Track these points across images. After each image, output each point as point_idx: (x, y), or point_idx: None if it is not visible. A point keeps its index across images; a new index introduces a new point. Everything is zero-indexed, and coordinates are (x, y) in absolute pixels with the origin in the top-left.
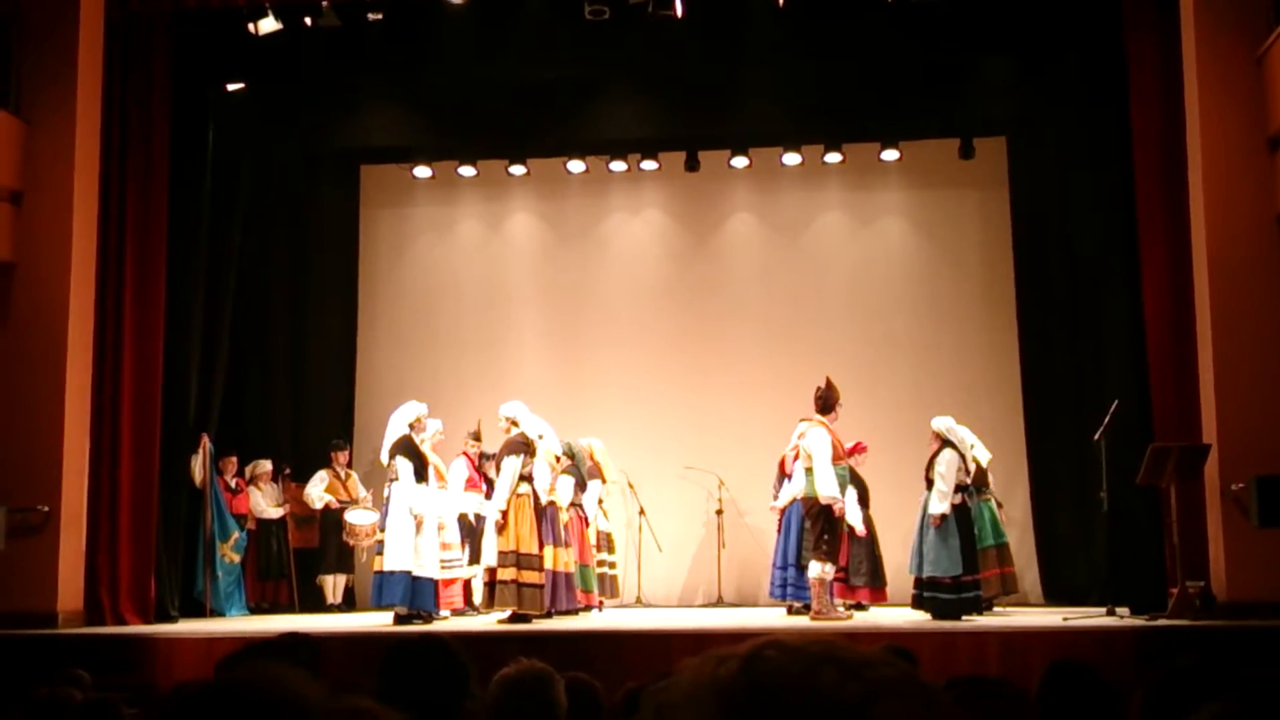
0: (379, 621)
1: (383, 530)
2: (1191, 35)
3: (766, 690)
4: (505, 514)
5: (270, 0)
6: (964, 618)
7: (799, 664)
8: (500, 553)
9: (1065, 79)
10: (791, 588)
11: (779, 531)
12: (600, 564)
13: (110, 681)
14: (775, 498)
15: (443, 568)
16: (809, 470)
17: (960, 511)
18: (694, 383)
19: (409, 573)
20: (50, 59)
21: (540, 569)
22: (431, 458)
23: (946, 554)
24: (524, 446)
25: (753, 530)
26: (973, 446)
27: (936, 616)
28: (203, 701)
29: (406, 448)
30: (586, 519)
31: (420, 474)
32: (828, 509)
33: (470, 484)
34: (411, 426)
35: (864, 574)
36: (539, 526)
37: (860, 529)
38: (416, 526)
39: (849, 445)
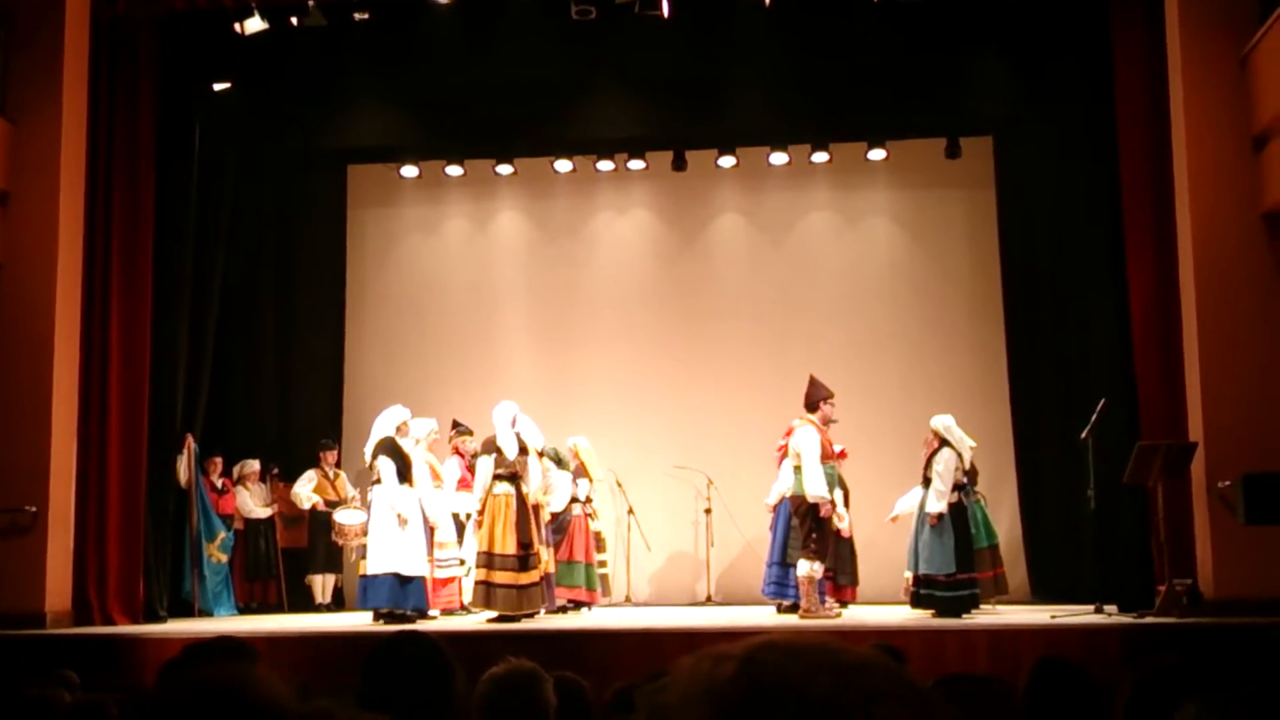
0: (368, 621)
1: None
2: (1177, 35)
3: (763, 695)
4: (482, 514)
5: (256, 0)
6: (963, 615)
7: (795, 668)
8: (477, 553)
9: (1052, 78)
10: (783, 585)
11: (771, 529)
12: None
13: (99, 682)
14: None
15: (439, 567)
16: (797, 469)
17: (956, 510)
18: (682, 382)
19: (395, 574)
20: (36, 59)
21: (518, 569)
22: (427, 457)
23: (941, 552)
24: (494, 447)
25: (741, 529)
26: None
27: (939, 614)
28: (178, 704)
29: (390, 449)
30: (590, 516)
31: (404, 475)
32: (815, 507)
33: (463, 484)
34: (397, 430)
35: (848, 573)
36: (519, 527)
37: (846, 530)
38: (400, 525)
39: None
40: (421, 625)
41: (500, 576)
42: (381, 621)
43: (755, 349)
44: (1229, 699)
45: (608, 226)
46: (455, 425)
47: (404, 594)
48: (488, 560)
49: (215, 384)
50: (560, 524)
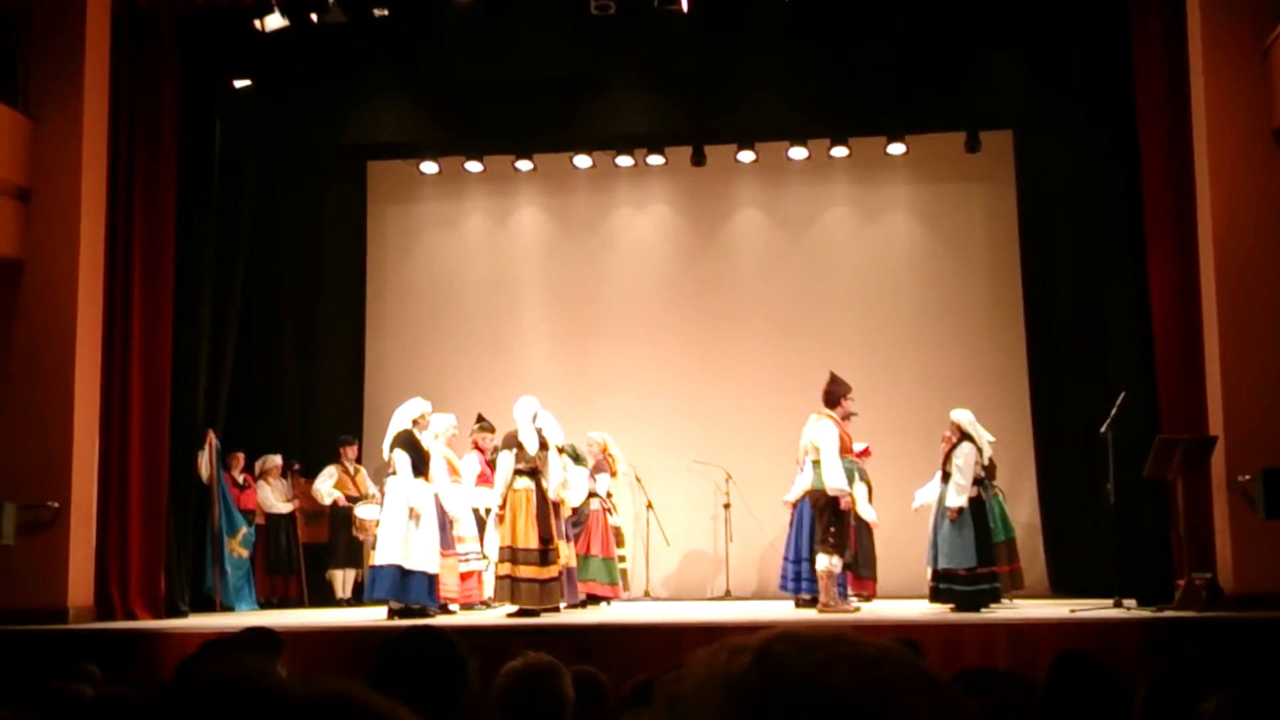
0: (385, 615)
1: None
2: (1198, 28)
3: (779, 686)
4: (503, 509)
5: None
6: (982, 610)
7: (812, 659)
8: (500, 548)
9: (1072, 72)
10: (806, 581)
11: (790, 525)
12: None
13: (121, 676)
14: None
15: (461, 561)
16: (816, 463)
17: (975, 504)
18: (701, 377)
19: (399, 567)
20: (58, 56)
21: (540, 564)
22: (445, 452)
23: (961, 546)
24: (515, 442)
25: (760, 524)
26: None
27: (959, 608)
28: (177, 702)
29: (407, 442)
30: (609, 510)
31: (420, 468)
32: (835, 501)
33: (482, 479)
34: (415, 423)
35: (869, 564)
36: (540, 522)
37: (874, 521)
38: (415, 520)
39: (857, 449)
40: (441, 620)
41: (524, 571)
42: (396, 617)
43: (774, 344)
44: (1252, 692)
45: (627, 222)
46: (480, 420)
47: (404, 587)
48: (511, 555)
49: (236, 380)
50: (579, 518)
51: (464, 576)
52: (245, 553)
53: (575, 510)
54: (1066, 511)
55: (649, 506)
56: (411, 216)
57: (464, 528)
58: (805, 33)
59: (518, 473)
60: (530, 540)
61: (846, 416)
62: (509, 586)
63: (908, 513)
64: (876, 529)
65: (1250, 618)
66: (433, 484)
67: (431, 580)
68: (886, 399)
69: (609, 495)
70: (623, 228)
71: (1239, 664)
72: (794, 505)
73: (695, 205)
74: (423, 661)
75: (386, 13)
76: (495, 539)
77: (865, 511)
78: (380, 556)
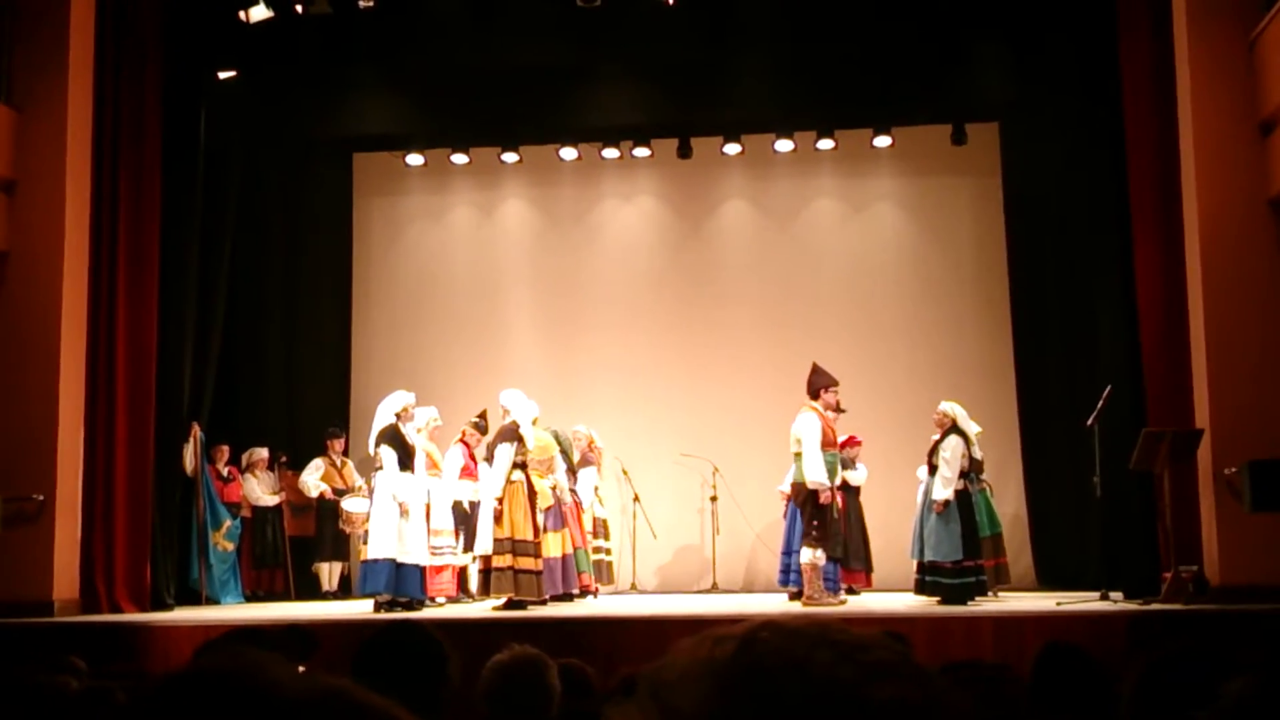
0: (370, 608)
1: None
2: (1184, 19)
3: (762, 672)
4: (501, 501)
5: None
6: (969, 602)
7: (795, 646)
8: (496, 540)
9: (1058, 64)
10: (794, 574)
11: (784, 518)
12: (596, 550)
13: (106, 669)
14: None
15: (434, 554)
16: (798, 456)
17: (962, 497)
18: (688, 369)
19: (393, 560)
20: (42, 47)
21: (536, 555)
22: (427, 445)
23: (948, 539)
24: (516, 434)
25: (747, 517)
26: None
27: (945, 601)
28: (173, 691)
29: (392, 436)
30: (580, 504)
31: (405, 462)
32: (816, 494)
33: (465, 472)
34: (399, 416)
35: (861, 558)
36: (533, 513)
37: (860, 481)
38: (402, 514)
39: (843, 438)
40: (427, 613)
41: (523, 562)
42: (383, 610)
43: (761, 336)
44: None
45: (613, 214)
46: (481, 417)
47: (401, 580)
48: (511, 546)
49: (222, 372)
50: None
51: (437, 570)
52: (230, 546)
53: (554, 504)
54: (1053, 504)
55: (635, 499)
56: (397, 208)
57: (440, 521)
58: (791, 25)
59: (514, 465)
60: (527, 532)
61: (830, 409)
62: (511, 578)
63: (893, 506)
64: (863, 520)
65: (1236, 610)
66: (416, 476)
67: (422, 573)
68: (873, 391)
69: (595, 488)
70: (609, 220)
71: (1232, 654)
72: (788, 497)
73: (682, 197)
74: (404, 656)
75: (372, 4)
76: (489, 532)
77: (853, 476)
78: (374, 551)
